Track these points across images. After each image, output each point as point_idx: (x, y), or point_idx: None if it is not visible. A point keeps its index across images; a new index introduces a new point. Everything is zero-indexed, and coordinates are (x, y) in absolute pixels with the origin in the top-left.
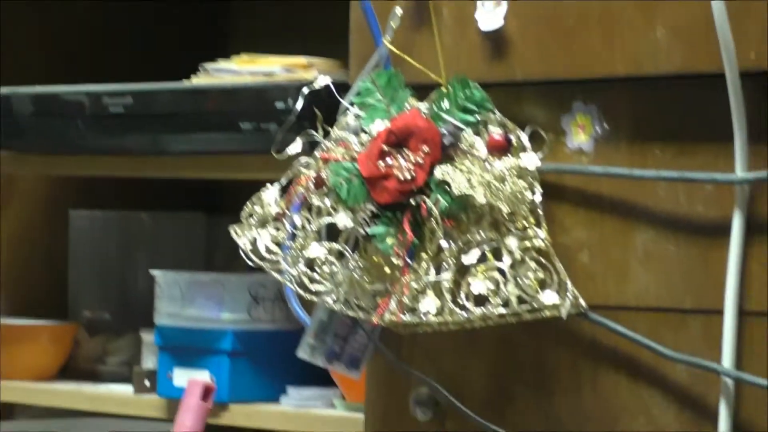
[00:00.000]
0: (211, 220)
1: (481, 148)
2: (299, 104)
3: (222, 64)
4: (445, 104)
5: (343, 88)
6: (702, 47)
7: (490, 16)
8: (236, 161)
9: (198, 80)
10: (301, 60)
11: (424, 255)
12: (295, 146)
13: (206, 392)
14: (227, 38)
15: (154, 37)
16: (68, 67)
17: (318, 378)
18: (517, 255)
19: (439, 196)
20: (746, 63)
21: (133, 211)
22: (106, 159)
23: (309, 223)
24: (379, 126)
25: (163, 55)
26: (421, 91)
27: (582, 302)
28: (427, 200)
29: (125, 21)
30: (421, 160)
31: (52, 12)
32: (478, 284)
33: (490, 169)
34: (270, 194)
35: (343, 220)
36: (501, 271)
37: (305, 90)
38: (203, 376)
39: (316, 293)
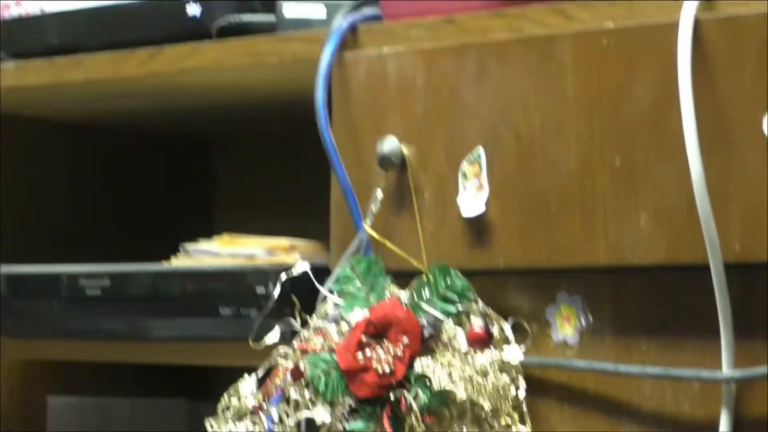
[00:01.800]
0: (194, 406)
1: (461, 341)
2: (277, 291)
3: (203, 245)
4: (426, 293)
5: (325, 271)
6: (686, 237)
7: (471, 201)
8: (215, 347)
9: (177, 262)
10: (283, 242)
11: None
12: (273, 336)
13: None
14: (210, 206)
15: (138, 204)
16: (43, 246)
17: None
18: None
19: (419, 391)
20: (731, 255)
21: (112, 397)
22: (82, 343)
23: (287, 416)
24: (358, 315)
25: (143, 223)
26: (402, 278)
27: None
28: (406, 395)
29: (109, 198)
30: (400, 353)
31: (32, 188)
32: None
33: (472, 362)
34: (247, 386)
35: (321, 414)
36: None
37: (283, 276)
38: None
39: None
